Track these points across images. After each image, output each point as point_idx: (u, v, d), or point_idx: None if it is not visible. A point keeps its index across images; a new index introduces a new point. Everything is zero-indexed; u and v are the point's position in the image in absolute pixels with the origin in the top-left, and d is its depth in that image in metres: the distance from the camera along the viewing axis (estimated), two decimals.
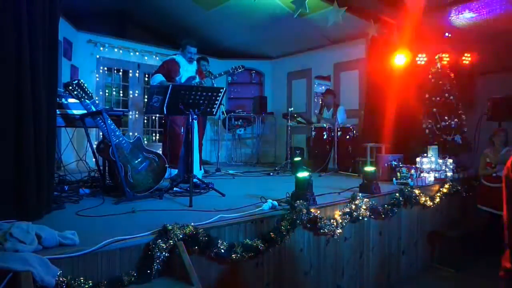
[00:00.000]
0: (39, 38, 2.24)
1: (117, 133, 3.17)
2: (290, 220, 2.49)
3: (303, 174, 2.80)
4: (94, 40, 6.62)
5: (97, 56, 6.71)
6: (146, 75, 7.30)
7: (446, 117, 5.22)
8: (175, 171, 4.23)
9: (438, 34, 5.62)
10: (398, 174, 4.16)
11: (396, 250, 3.60)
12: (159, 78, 4.22)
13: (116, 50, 6.91)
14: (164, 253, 1.87)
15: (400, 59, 5.61)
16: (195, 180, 3.28)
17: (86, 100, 3.11)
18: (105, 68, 6.90)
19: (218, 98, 3.25)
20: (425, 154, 4.65)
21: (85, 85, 3.15)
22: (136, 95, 7.25)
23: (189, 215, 2.48)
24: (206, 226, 2.16)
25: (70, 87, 3.06)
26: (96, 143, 4.69)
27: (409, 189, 3.69)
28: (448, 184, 4.34)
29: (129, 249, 1.84)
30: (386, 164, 4.43)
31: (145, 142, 7.22)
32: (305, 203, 2.64)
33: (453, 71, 5.45)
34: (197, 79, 4.38)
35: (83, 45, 6.50)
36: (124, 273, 1.78)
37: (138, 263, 1.86)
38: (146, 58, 7.30)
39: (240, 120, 7.90)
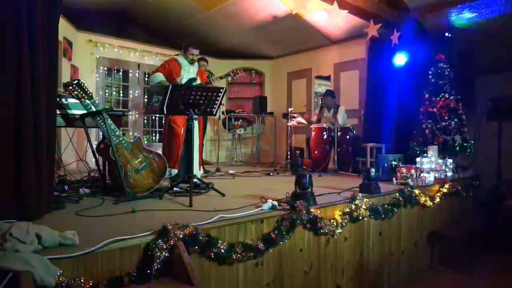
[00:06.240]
0: (39, 38, 2.24)
1: (117, 133, 3.17)
2: (290, 220, 2.49)
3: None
4: (94, 40, 6.62)
5: (97, 56, 6.72)
6: (146, 75, 7.30)
7: (446, 117, 5.22)
8: (175, 171, 4.23)
9: (438, 34, 5.62)
10: (398, 174, 4.17)
11: (396, 250, 3.60)
12: (159, 77, 4.22)
13: (116, 50, 6.91)
14: (164, 253, 1.87)
15: (400, 59, 5.61)
16: (195, 180, 3.28)
17: (86, 100, 3.11)
18: (105, 68, 6.90)
19: (218, 98, 3.25)
20: (425, 154, 4.65)
21: (85, 85, 3.15)
22: (136, 95, 7.26)
23: (189, 215, 2.48)
24: (206, 226, 2.15)
25: (70, 87, 3.06)
26: (96, 143, 4.69)
27: (409, 189, 3.70)
28: (448, 184, 4.34)
29: (129, 249, 1.84)
30: (386, 164, 4.44)
31: (145, 142, 7.22)
32: (305, 203, 2.64)
33: (453, 71, 5.45)
34: (198, 81, 4.38)
35: (83, 45, 6.51)
36: (124, 273, 1.78)
37: (138, 263, 1.85)
38: (146, 58, 7.30)
39: (240, 120, 7.90)
